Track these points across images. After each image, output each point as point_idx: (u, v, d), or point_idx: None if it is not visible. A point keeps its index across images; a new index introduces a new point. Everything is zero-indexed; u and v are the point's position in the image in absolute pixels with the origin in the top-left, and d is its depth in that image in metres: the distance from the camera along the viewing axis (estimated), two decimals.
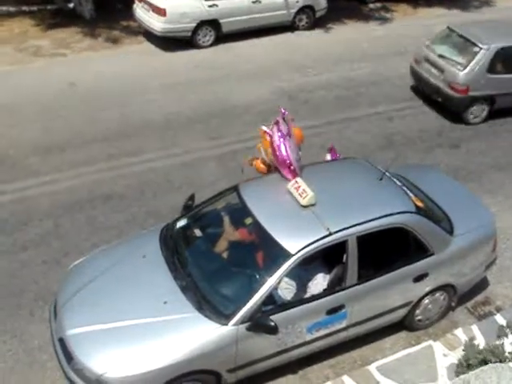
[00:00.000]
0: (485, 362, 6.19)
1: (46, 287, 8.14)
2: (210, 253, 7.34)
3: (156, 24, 15.07)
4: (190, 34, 15.26)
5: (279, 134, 7.29)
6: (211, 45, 15.69)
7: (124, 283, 6.90)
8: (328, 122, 12.51)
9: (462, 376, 5.60)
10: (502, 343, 6.44)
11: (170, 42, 15.36)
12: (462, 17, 18.80)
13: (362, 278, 6.99)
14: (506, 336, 6.49)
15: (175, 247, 7.24)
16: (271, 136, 7.33)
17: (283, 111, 7.38)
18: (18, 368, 7.20)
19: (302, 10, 16.99)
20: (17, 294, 8.09)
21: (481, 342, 7.02)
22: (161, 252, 7.18)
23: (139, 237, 7.93)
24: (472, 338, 6.87)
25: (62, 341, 6.50)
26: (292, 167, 7.26)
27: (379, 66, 15.15)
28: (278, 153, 7.28)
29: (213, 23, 15.45)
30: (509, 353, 6.38)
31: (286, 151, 7.25)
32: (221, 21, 15.48)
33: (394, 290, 7.32)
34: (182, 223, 7.60)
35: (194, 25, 15.16)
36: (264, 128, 7.53)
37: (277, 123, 7.34)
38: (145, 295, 6.69)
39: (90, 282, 6.93)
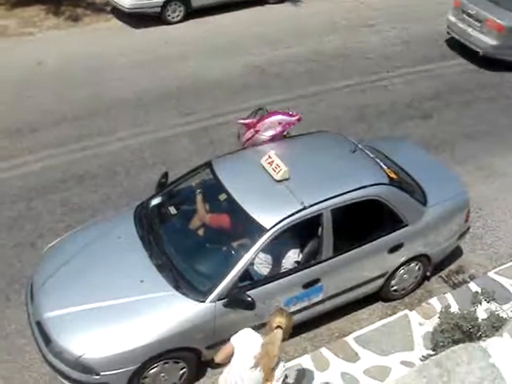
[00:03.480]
0: (458, 327, 6.30)
1: (21, 270, 8.09)
2: (185, 230, 7.35)
3: (124, 0, 14.80)
4: (158, 9, 15.02)
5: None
6: (181, 20, 15.45)
7: (100, 264, 6.87)
8: (300, 96, 12.45)
9: (432, 357, 5.69)
10: (475, 310, 6.54)
11: (139, 19, 15.12)
12: None
13: (338, 250, 7.03)
14: (480, 303, 6.58)
15: (150, 226, 7.21)
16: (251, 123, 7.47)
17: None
18: None
19: None
20: None
21: (455, 310, 7.12)
22: (136, 231, 7.15)
23: (114, 216, 7.88)
24: (447, 306, 6.97)
25: (39, 324, 6.47)
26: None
27: (350, 39, 15.09)
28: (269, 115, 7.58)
29: None
30: (482, 319, 6.49)
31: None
32: None
33: (370, 262, 7.40)
34: (156, 201, 7.57)
35: (163, 0, 14.92)
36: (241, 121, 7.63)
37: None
38: (121, 275, 6.67)
39: (66, 263, 6.88)
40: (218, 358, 5.63)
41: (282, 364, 5.39)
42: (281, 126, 7.55)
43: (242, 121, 7.61)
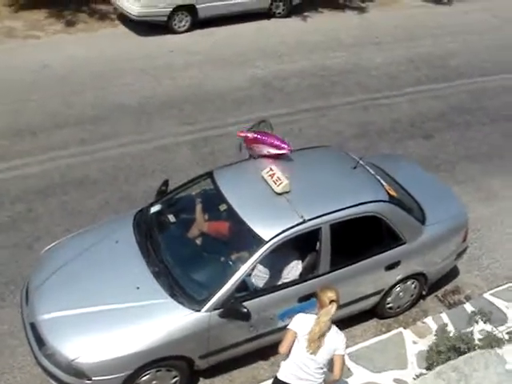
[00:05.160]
0: (454, 349, 6.31)
1: (17, 271, 8.06)
2: (184, 239, 7.35)
3: (132, 8, 14.85)
4: (165, 18, 15.09)
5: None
6: (187, 30, 15.51)
7: (97, 268, 6.85)
8: (302, 110, 12.51)
9: (450, 362, 5.74)
10: (472, 330, 6.55)
11: (146, 27, 15.17)
12: (435, 9, 18.96)
13: (335, 265, 7.02)
14: (477, 323, 6.59)
15: (148, 233, 7.21)
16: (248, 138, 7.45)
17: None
18: None
19: None
20: None
21: (450, 330, 7.12)
22: (134, 237, 7.14)
23: (112, 222, 7.88)
24: (444, 325, 6.97)
25: (33, 326, 6.45)
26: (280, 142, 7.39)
27: (354, 56, 15.16)
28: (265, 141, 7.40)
29: (189, 8, 15.27)
30: (478, 340, 6.49)
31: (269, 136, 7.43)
32: (197, 6, 15.30)
33: (366, 278, 7.39)
34: (155, 209, 7.57)
35: (170, 9, 14.98)
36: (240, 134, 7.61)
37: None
38: (117, 281, 6.66)
39: (63, 266, 6.87)
40: (283, 348, 5.68)
41: (342, 335, 5.71)
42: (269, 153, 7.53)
43: (241, 134, 7.59)
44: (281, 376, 5.74)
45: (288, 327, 5.73)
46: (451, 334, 6.56)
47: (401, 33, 16.67)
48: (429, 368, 6.63)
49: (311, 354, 5.54)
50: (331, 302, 5.56)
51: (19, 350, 7.12)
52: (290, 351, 5.66)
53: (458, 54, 15.65)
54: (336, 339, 5.63)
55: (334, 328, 5.68)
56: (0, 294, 7.81)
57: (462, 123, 12.68)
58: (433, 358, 6.51)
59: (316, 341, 5.50)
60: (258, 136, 7.41)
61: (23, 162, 10.18)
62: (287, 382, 5.67)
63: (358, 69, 14.53)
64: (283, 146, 7.35)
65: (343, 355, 5.72)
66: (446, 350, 6.36)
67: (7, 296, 7.79)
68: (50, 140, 10.80)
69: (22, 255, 8.35)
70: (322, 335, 5.53)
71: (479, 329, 6.93)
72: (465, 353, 6.29)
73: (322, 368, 5.62)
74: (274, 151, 7.37)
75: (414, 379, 6.74)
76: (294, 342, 5.63)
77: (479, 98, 13.61)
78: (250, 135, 7.47)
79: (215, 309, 6.38)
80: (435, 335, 6.76)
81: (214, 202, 7.35)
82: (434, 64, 15.07)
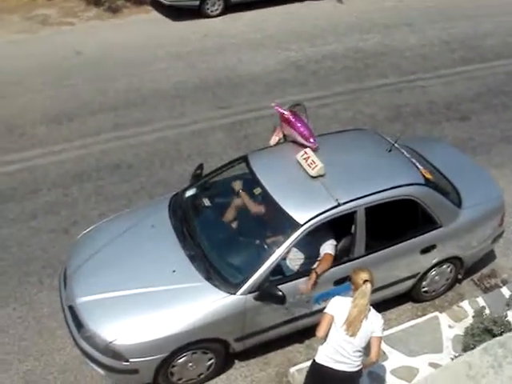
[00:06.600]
0: (487, 331, 6.26)
1: (54, 255, 8.20)
2: (219, 222, 7.37)
3: None
4: (198, 2, 15.06)
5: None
6: (219, 14, 15.47)
7: (133, 252, 6.92)
8: (336, 93, 12.44)
9: (497, 338, 5.71)
10: (506, 314, 6.49)
11: (178, 12, 15.17)
12: None
13: (370, 249, 7.00)
14: None
15: (184, 216, 7.25)
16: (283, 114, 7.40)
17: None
18: (27, 335, 7.28)
19: None
20: (26, 262, 8.17)
21: (487, 313, 7.05)
22: (169, 221, 7.19)
23: (148, 206, 7.96)
24: (482, 309, 6.91)
25: (71, 308, 6.55)
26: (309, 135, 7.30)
27: (388, 37, 15.00)
28: (295, 126, 7.35)
29: None
30: None
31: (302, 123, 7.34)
32: None
33: (402, 262, 7.36)
34: (190, 193, 7.61)
35: None
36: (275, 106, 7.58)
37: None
38: (154, 264, 6.72)
39: (100, 250, 6.96)
40: (320, 332, 5.68)
41: (380, 316, 5.69)
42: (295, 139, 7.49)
43: (278, 108, 7.54)
44: (319, 359, 5.75)
45: (325, 311, 5.72)
46: (485, 317, 6.50)
47: (435, 13, 16.39)
48: (465, 351, 6.58)
49: (350, 336, 5.53)
50: (365, 282, 5.53)
51: (58, 333, 7.26)
52: (327, 335, 5.67)
53: (494, 35, 15.33)
54: (374, 321, 5.61)
55: (372, 310, 5.67)
56: (38, 278, 7.96)
57: (498, 104, 12.48)
58: (468, 341, 6.46)
59: (354, 323, 5.50)
60: (292, 118, 7.38)
61: (60, 148, 10.32)
62: (326, 365, 5.68)
63: (392, 50, 14.36)
64: (310, 140, 7.27)
65: (381, 337, 5.71)
66: (480, 333, 6.32)
67: (45, 279, 7.93)
68: (85, 126, 10.92)
69: (59, 239, 8.49)
70: (361, 317, 5.51)
71: None
72: (499, 335, 6.23)
73: (359, 351, 5.62)
74: (300, 140, 7.34)
75: (452, 359, 6.68)
76: (331, 325, 5.63)
77: None
78: (286, 113, 7.45)
79: (250, 292, 6.41)
80: (473, 317, 6.70)
81: (249, 185, 7.35)
82: (470, 45, 14.80)
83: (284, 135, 7.70)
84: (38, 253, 8.30)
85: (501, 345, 5.38)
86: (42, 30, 14.48)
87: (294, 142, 7.46)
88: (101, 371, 6.40)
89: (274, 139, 7.79)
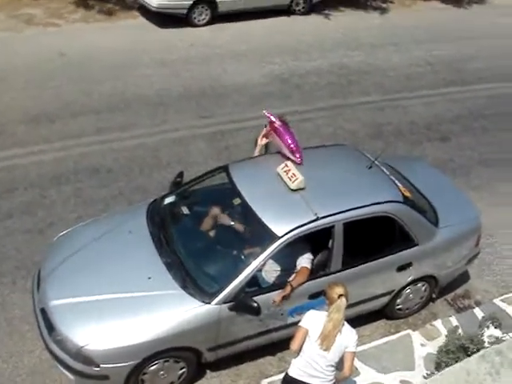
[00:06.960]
0: (463, 349, 6.30)
1: (28, 256, 8.11)
2: (197, 231, 7.35)
3: None
4: (185, 11, 15.11)
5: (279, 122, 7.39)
6: (206, 24, 15.52)
7: (109, 257, 6.88)
8: (319, 108, 12.51)
9: (494, 346, 5.78)
10: (482, 333, 6.54)
11: (165, 19, 15.18)
12: (457, 12, 18.93)
13: (346, 264, 7.02)
14: (487, 327, 6.59)
15: (162, 224, 7.22)
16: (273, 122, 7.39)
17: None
18: None
19: None
20: None
21: (460, 333, 7.09)
22: (147, 228, 7.16)
23: (126, 212, 7.92)
24: (455, 328, 6.96)
25: (43, 311, 6.48)
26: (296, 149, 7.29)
27: (372, 56, 15.14)
28: (283, 137, 7.34)
29: (209, 2, 15.29)
30: (488, 343, 6.48)
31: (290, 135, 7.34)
32: (217, 0, 15.33)
33: (377, 278, 7.38)
34: (169, 200, 7.58)
35: (191, 2, 14.98)
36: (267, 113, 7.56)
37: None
38: (129, 270, 6.67)
39: (75, 253, 6.90)
40: (294, 345, 5.66)
41: (354, 332, 5.72)
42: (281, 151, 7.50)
43: (269, 115, 7.53)
44: (292, 373, 5.74)
45: (299, 324, 5.72)
46: (462, 335, 6.55)
47: (420, 34, 16.59)
48: (437, 369, 6.62)
49: (324, 350, 5.53)
50: (340, 296, 5.54)
51: (29, 335, 7.15)
52: (300, 348, 5.66)
53: (478, 59, 15.56)
54: (348, 336, 5.62)
55: (347, 325, 5.67)
56: (12, 279, 7.85)
57: (478, 127, 12.61)
58: (441, 358, 6.50)
59: (329, 337, 5.49)
60: (281, 128, 7.38)
61: (39, 149, 10.22)
62: (298, 379, 5.67)
63: (376, 69, 14.51)
64: (296, 155, 7.26)
65: (354, 352, 5.72)
66: (456, 350, 6.36)
67: (19, 280, 7.83)
68: (67, 128, 10.84)
69: (34, 240, 8.40)
70: (335, 332, 5.52)
71: (488, 334, 6.91)
72: (474, 353, 6.28)
73: (332, 365, 5.62)
74: (286, 153, 7.34)
75: (425, 378, 6.70)
76: (305, 339, 5.63)
77: (497, 104, 13.49)
78: (276, 121, 7.45)
79: (225, 302, 6.38)
80: (446, 336, 6.74)
81: (228, 195, 7.35)
82: (453, 67, 15.02)
83: (267, 144, 7.69)
84: (12, 253, 8.20)
85: (498, 353, 5.46)
86: (27, 30, 14.41)
87: (279, 152, 7.46)
88: (70, 376, 6.32)
89: (260, 144, 7.74)
